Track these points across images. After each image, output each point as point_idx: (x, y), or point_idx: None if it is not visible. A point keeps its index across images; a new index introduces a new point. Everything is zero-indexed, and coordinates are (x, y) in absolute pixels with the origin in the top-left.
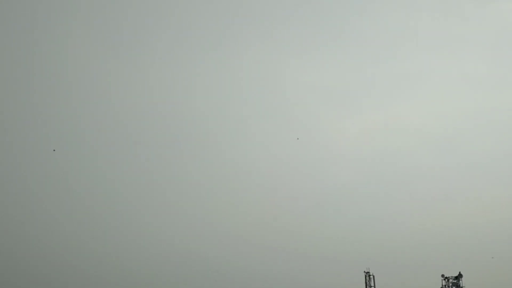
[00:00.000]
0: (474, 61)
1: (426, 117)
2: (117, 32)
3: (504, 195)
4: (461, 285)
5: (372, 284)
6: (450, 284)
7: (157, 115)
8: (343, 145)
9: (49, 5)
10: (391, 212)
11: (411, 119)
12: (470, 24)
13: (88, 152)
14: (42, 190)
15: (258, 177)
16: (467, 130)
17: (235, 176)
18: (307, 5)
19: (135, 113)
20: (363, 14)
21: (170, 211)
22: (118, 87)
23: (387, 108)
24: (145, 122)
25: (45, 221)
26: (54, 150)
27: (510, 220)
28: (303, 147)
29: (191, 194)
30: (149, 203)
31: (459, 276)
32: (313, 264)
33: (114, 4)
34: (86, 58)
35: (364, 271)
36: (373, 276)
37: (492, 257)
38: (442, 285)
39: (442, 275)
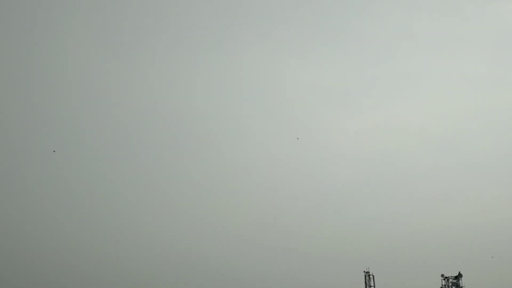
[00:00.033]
0: (474, 61)
1: (426, 117)
2: (117, 32)
3: (504, 195)
4: (460, 285)
5: (372, 284)
6: (450, 284)
7: (157, 115)
8: (343, 145)
9: (49, 5)
10: (391, 212)
11: (411, 119)
12: (470, 24)
13: (88, 152)
14: (42, 190)
15: (258, 177)
16: (467, 130)
17: (235, 176)
18: (307, 5)
19: (135, 113)
20: (363, 14)
21: (170, 211)
22: (118, 87)
23: (387, 108)
24: (145, 122)
25: (45, 221)
26: (54, 151)
27: (510, 220)
28: (303, 147)
29: (191, 194)
30: (149, 203)
31: (459, 276)
32: (313, 264)
33: (114, 4)
34: (86, 58)
35: (364, 271)
36: (373, 276)
37: (492, 257)
38: (442, 285)
39: (442, 275)
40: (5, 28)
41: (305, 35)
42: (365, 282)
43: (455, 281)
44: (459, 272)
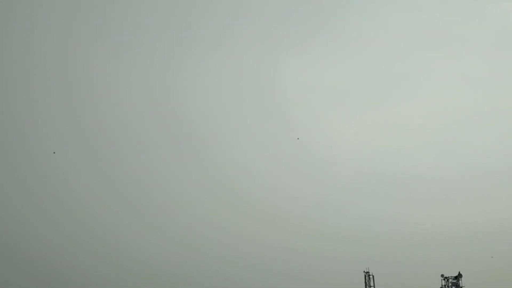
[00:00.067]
0: (474, 61)
1: (426, 117)
2: (117, 32)
3: (504, 195)
4: (460, 285)
5: (372, 284)
6: (450, 284)
7: (157, 115)
8: (343, 145)
9: (49, 5)
10: (391, 212)
11: (411, 119)
12: (470, 24)
13: (88, 152)
14: (42, 190)
15: (258, 177)
16: (467, 130)
17: (235, 176)
18: (307, 5)
19: (135, 113)
20: (363, 14)
21: (170, 211)
22: (118, 87)
23: (387, 108)
24: (145, 122)
25: (45, 221)
26: (54, 153)
27: (510, 220)
28: (303, 147)
29: (191, 194)
30: (149, 203)
31: (459, 276)
32: (313, 264)
33: (114, 4)
34: (86, 58)
35: (364, 271)
36: (373, 276)
37: (492, 257)
38: (442, 285)
39: (442, 275)
40: (5, 28)
41: (305, 35)
42: (365, 282)
43: (455, 281)
44: (459, 272)
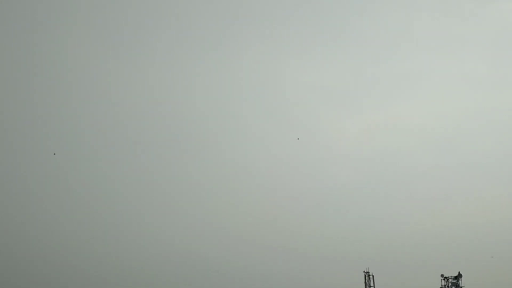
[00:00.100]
0: (474, 61)
1: (426, 117)
2: (117, 32)
3: (504, 195)
4: (460, 285)
5: (372, 284)
6: (450, 284)
7: (157, 115)
8: (343, 145)
9: (49, 5)
10: (391, 212)
11: (411, 119)
12: (470, 24)
13: (88, 152)
14: (42, 190)
15: (258, 177)
16: (467, 130)
17: (235, 176)
18: (307, 5)
19: (135, 113)
20: (363, 14)
21: (170, 211)
22: (118, 87)
23: (387, 108)
24: (145, 122)
25: (45, 221)
26: (54, 154)
27: (510, 220)
28: (303, 147)
29: (191, 194)
30: (149, 203)
31: (459, 276)
32: (313, 264)
33: (114, 4)
34: (86, 58)
35: (364, 271)
36: (373, 276)
37: (492, 257)
38: (442, 285)
39: (442, 275)
40: (5, 28)
41: (305, 35)
42: (365, 282)
43: (454, 281)
44: (459, 272)
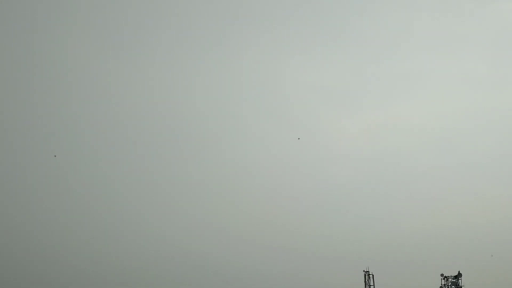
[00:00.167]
0: (474, 61)
1: (426, 117)
2: (117, 32)
3: (504, 195)
4: (460, 285)
5: (372, 284)
6: (450, 284)
7: (157, 115)
8: (343, 145)
9: (49, 5)
10: (391, 212)
11: (411, 119)
12: (470, 24)
13: (88, 152)
14: (42, 189)
15: (258, 177)
16: (467, 130)
17: (235, 176)
18: (307, 5)
19: (135, 113)
20: (363, 14)
21: (170, 211)
22: (118, 87)
23: (387, 108)
24: (145, 122)
25: (45, 221)
26: (55, 156)
27: (510, 220)
28: (303, 147)
29: (191, 194)
30: (149, 203)
31: (459, 275)
32: (313, 264)
33: (114, 4)
34: (86, 58)
35: (364, 271)
36: (373, 276)
37: (492, 256)
38: (442, 284)
39: (442, 274)
40: (5, 28)
41: (305, 35)
42: (365, 282)
43: (454, 280)
44: (459, 272)
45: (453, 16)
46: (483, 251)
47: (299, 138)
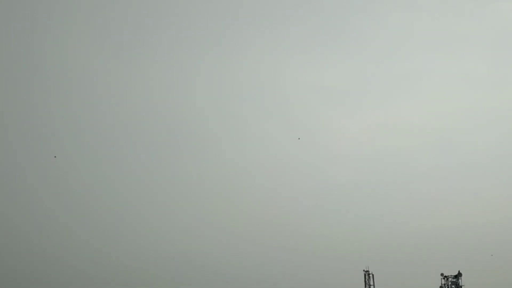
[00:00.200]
0: (474, 61)
1: (426, 116)
2: (117, 32)
3: (504, 195)
4: (460, 284)
5: (372, 283)
6: (450, 283)
7: (157, 115)
8: (343, 145)
9: (49, 5)
10: (391, 212)
11: (411, 119)
12: (470, 23)
13: (88, 151)
14: (42, 189)
15: (258, 177)
16: (467, 130)
17: (235, 176)
18: (307, 5)
19: (135, 113)
20: (363, 14)
21: (170, 211)
22: (118, 87)
23: (387, 108)
24: (145, 122)
25: (45, 221)
26: (55, 157)
27: (510, 220)
28: (303, 147)
29: (191, 194)
30: (149, 203)
31: (459, 275)
32: (313, 263)
33: (114, 4)
34: (86, 58)
35: (364, 270)
36: (373, 275)
37: (492, 255)
38: (442, 284)
39: (442, 274)
40: (5, 28)
41: (305, 35)
42: (365, 281)
43: (454, 280)
44: (459, 271)
45: (453, 16)
46: (483, 251)
47: (299, 138)
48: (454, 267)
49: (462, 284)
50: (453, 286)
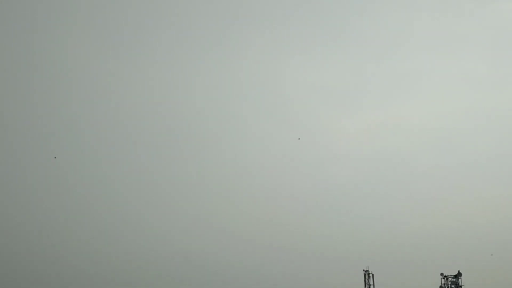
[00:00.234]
0: (474, 60)
1: (426, 116)
2: (117, 32)
3: (504, 195)
4: (460, 284)
5: (372, 283)
6: (449, 283)
7: (157, 115)
8: (343, 145)
9: (49, 5)
10: (391, 212)
11: (411, 119)
12: (470, 23)
13: (88, 151)
14: (42, 189)
15: (258, 177)
16: (467, 130)
17: (235, 176)
18: (307, 5)
19: (135, 113)
20: (363, 14)
21: (170, 211)
22: (118, 87)
23: (387, 108)
24: (145, 122)
25: (45, 221)
26: (55, 158)
27: (510, 220)
28: (303, 147)
29: (191, 194)
30: (149, 203)
31: (458, 274)
32: (313, 263)
33: (114, 4)
34: (86, 58)
35: (364, 270)
36: (373, 275)
37: (492, 255)
38: (442, 283)
39: (441, 274)
40: (5, 28)
41: (305, 34)
42: (365, 281)
43: (454, 280)
44: (459, 271)
45: (453, 16)
46: (483, 250)
47: (299, 138)
48: (454, 267)
49: (462, 284)
50: (453, 286)
